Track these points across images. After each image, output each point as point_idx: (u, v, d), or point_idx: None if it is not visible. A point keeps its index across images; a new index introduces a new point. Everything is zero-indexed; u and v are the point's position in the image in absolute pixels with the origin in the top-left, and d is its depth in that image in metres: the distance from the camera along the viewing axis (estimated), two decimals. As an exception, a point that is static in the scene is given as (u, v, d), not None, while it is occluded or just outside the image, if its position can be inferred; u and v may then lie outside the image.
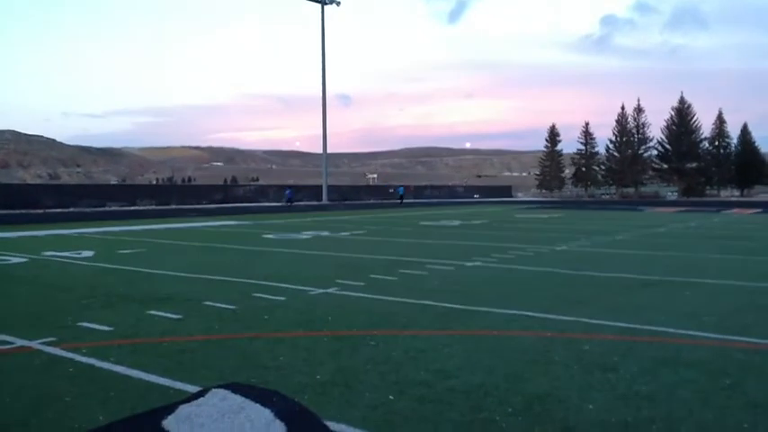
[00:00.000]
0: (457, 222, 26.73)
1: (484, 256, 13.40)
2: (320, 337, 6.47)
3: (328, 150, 47.50)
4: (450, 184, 77.42)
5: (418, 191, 64.29)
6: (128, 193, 44.93)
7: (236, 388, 4.59)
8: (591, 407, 4.41)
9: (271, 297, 8.59)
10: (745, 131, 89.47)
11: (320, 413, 4.25)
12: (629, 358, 5.64)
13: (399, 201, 54.81)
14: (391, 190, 58.71)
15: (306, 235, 19.80)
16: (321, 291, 9.10)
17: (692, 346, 6.17)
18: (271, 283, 9.73)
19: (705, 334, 6.58)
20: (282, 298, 8.55)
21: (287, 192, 48.55)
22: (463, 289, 9.54)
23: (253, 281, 10.04)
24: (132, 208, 34.15)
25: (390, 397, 4.61)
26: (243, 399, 4.36)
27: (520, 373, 5.17)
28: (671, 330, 6.72)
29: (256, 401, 4.31)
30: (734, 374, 5.17)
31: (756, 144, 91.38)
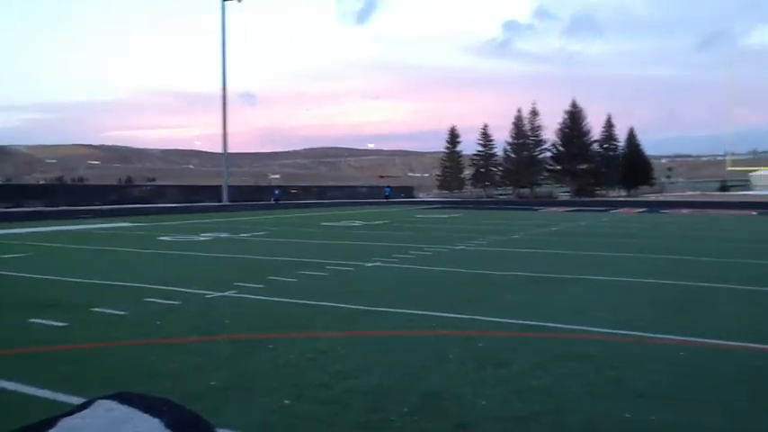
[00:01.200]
0: (358, 223, 26.81)
1: (384, 256, 13.48)
2: (216, 342, 6.31)
3: (230, 150, 46.66)
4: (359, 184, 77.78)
5: (321, 191, 64.07)
6: (13, 193, 42.38)
7: (123, 398, 4.38)
8: (485, 402, 4.50)
9: (164, 301, 8.29)
10: (631, 135, 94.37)
11: (214, 420, 4.12)
12: (523, 354, 5.80)
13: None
14: (293, 191, 58.27)
15: (204, 237, 19.31)
16: (218, 294, 8.87)
17: (582, 340, 6.43)
18: (165, 287, 9.40)
19: (594, 329, 6.88)
20: (177, 302, 8.27)
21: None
22: (363, 290, 9.56)
23: (146, 285, 9.67)
24: (19, 209, 32.26)
25: (287, 401, 4.53)
26: (130, 409, 4.16)
27: (417, 372, 5.22)
28: (562, 326, 6.96)
29: (145, 411, 4.13)
30: (620, 367, 5.42)
31: (642, 147, 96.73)
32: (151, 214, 33.76)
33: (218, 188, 46.72)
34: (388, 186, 68.12)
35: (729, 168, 53.77)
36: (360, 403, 4.51)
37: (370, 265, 12.20)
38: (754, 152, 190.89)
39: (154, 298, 8.50)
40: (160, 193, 47.32)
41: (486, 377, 5.10)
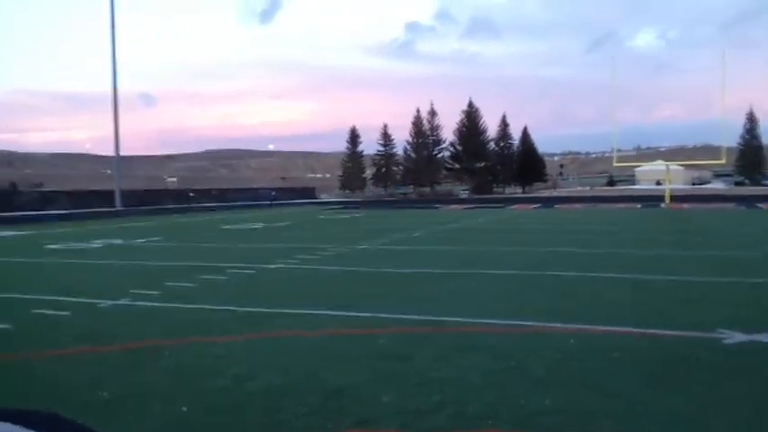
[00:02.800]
0: (260, 225, 26.47)
1: (286, 257, 13.38)
2: (109, 352, 6.07)
3: (124, 153, 44.98)
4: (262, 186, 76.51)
5: (221, 194, 62.77)
6: None
7: (6, 414, 4.15)
8: (386, 398, 4.56)
9: (53, 312, 7.90)
10: (525, 133, 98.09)
11: (106, 433, 3.98)
12: (424, 348, 5.91)
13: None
14: (191, 195, 56.81)
15: (96, 244, 18.50)
16: (111, 302, 8.53)
17: (481, 332, 6.62)
18: (54, 298, 8.95)
19: (492, 320, 7.09)
20: (66, 313, 7.89)
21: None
22: (264, 292, 9.46)
23: (33, 296, 9.18)
24: None
25: (184, 408, 4.42)
26: (13, 426, 3.95)
27: (317, 372, 5.21)
28: (462, 319, 7.14)
29: (30, 427, 3.93)
30: (517, 356, 5.61)
31: (535, 145, 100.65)
32: (39, 222, 32.03)
33: (110, 193, 44.85)
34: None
35: (616, 164, 56.59)
36: (259, 406, 4.46)
37: (272, 266, 12.07)
38: (638, 148, 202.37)
39: (42, 309, 8.08)
40: (48, 198, 44.94)
41: (387, 373, 5.16)
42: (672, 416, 4.15)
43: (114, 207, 42.09)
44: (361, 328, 6.83)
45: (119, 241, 19.37)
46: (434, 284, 9.80)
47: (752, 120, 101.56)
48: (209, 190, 63.05)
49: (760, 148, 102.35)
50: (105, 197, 45.42)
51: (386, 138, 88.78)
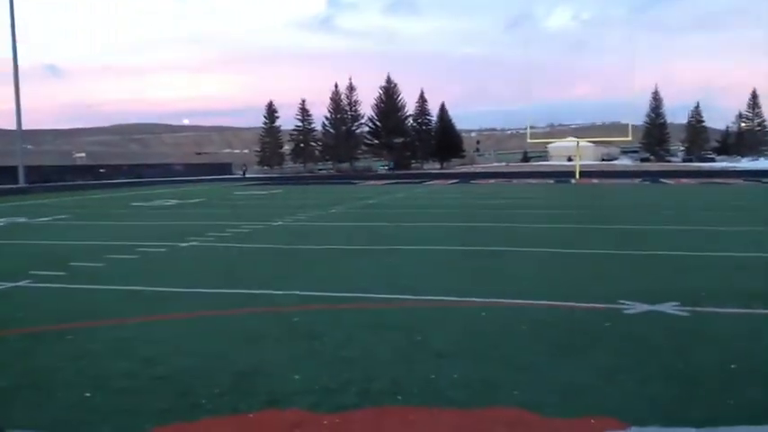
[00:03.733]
0: (173, 202, 25.77)
1: (199, 235, 13.08)
2: (6, 337, 5.79)
3: (28, 127, 42.82)
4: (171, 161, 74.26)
5: (132, 170, 60.69)
6: None
7: None
8: (297, 376, 4.54)
9: (-54, 296, 7.46)
10: (443, 110, 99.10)
11: (4, 422, 3.79)
12: (336, 326, 5.91)
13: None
14: (102, 170, 54.80)
15: (-3, 223, 17.56)
16: (10, 285, 8.12)
17: (395, 309, 6.67)
18: (-53, 281, 8.45)
19: (404, 296, 7.15)
20: (-39, 296, 7.47)
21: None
22: (175, 271, 9.23)
23: (-76, 279, 8.63)
24: None
25: (87, 394, 4.27)
26: None
27: (228, 353, 5.13)
28: (375, 296, 7.17)
29: None
30: (428, 331, 5.69)
31: (453, 121, 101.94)
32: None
33: (13, 169, 42.60)
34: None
35: (529, 141, 58.09)
36: (167, 389, 4.36)
37: (184, 245, 11.78)
38: (551, 125, 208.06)
39: (-68, 293, 7.62)
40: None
41: (299, 352, 5.14)
42: (573, 385, 4.31)
43: (18, 184, 40.05)
44: (275, 306, 6.77)
45: (22, 219, 18.45)
46: (350, 261, 9.81)
47: (657, 99, 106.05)
48: (121, 166, 60.90)
49: (664, 125, 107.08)
50: (8, 173, 43.11)
51: (304, 113, 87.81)
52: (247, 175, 65.37)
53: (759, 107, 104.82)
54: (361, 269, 9.07)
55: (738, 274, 8.36)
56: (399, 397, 4.13)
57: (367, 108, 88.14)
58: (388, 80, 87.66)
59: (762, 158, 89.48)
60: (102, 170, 55.61)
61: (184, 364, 4.86)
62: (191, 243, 11.97)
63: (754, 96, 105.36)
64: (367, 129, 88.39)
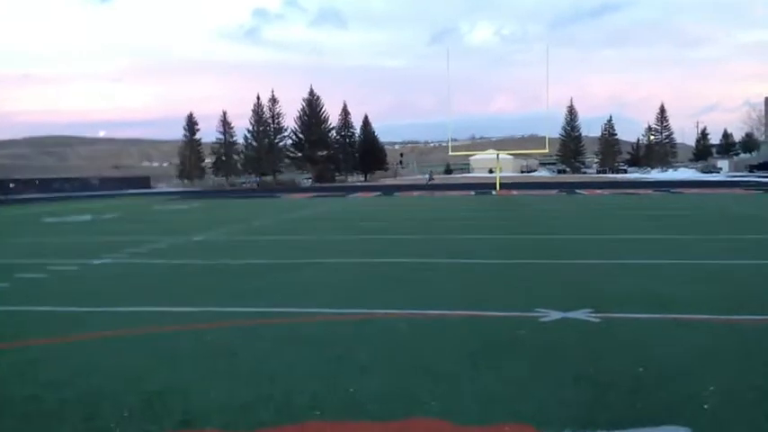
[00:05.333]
0: (88, 217, 24.86)
1: (115, 252, 12.64)
2: None
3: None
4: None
5: (44, 184, 58.26)
6: None
7: None
8: (212, 395, 4.43)
9: None
10: (366, 122, 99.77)
11: None
12: (254, 341, 5.81)
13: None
14: (11, 185, 52.31)
15: None
16: None
17: (314, 323, 6.61)
18: None
19: (324, 309, 7.11)
20: None
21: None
22: (86, 289, 8.87)
23: None
24: None
25: (-15, 421, 4.04)
26: None
27: (140, 373, 4.96)
28: (294, 310, 7.11)
29: None
30: (348, 344, 5.66)
31: (376, 134, 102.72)
32: None
33: None
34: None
35: (451, 153, 59.03)
36: (75, 413, 4.17)
37: (97, 262, 11.35)
38: (473, 138, 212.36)
39: None
40: None
41: (215, 369, 5.02)
42: (490, 393, 4.37)
43: None
44: (191, 323, 6.59)
45: None
46: (269, 275, 9.68)
47: (572, 112, 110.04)
48: (33, 180, 58.38)
49: (579, 138, 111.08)
50: None
51: (225, 125, 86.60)
52: (166, 189, 63.93)
53: (667, 120, 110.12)
54: (281, 283, 8.96)
55: (648, 280, 8.70)
56: (318, 412, 4.09)
57: (291, 121, 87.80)
58: (311, 92, 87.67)
59: (670, 170, 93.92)
60: (11, 185, 53.18)
61: (93, 387, 4.66)
62: (104, 260, 11.55)
63: (663, 110, 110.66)
64: (290, 141, 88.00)
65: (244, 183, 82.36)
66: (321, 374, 4.85)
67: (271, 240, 15.01)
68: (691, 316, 6.53)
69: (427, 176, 67.30)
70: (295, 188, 63.74)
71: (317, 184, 73.52)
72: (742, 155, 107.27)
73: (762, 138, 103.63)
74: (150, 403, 4.30)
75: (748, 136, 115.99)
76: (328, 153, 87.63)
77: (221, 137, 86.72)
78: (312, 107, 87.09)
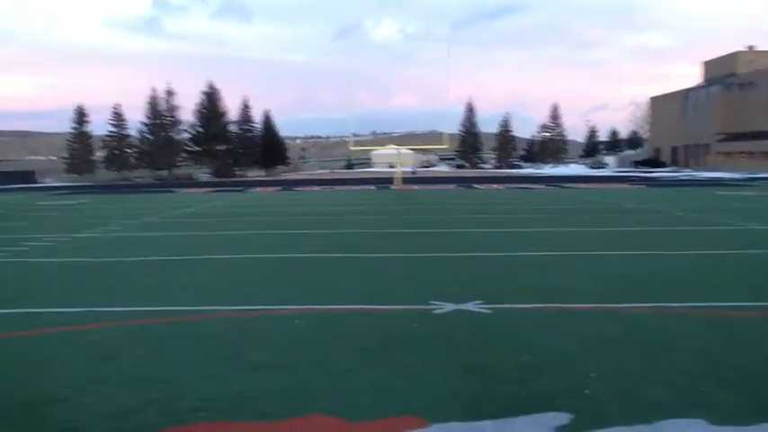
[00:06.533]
0: (-36, 214, 23.22)
1: (-8, 250, 11.86)
2: None
3: None
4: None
5: None
6: None
7: None
8: (93, 400, 4.22)
9: None
10: (267, 117, 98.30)
11: None
12: (140, 341, 5.59)
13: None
14: None
15: None
16: None
17: (206, 320, 6.44)
18: None
19: (216, 307, 6.95)
20: None
21: None
22: (-41, 291, 8.27)
23: None
24: None
25: None
26: None
27: (16, 380, 4.67)
28: (187, 308, 6.90)
29: None
30: (240, 342, 5.54)
31: (277, 128, 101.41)
32: None
33: None
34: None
35: (352, 148, 59.01)
36: (-63, 425, 3.86)
37: (-28, 262, 10.61)
38: (374, 133, 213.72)
39: None
40: None
41: (98, 373, 4.79)
42: (383, 387, 4.39)
43: None
44: (74, 325, 6.27)
45: None
46: (161, 273, 9.36)
47: (470, 109, 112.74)
48: None
49: (477, 134, 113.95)
50: None
51: (118, 117, 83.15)
52: (54, 184, 60.78)
53: (559, 118, 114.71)
54: (173, 280, 8.68)
55: (537, 271, 9.01)
56: (204, 414, 3.97)
57: (189, 114, 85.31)
58: (210, 85, 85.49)
59: (562, 165, 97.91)
60: None
61: (-39, 396, 4.34)
62: (-20, 259, 10.81)
63: (555, 108, 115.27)
64: (188, 135, 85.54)
65: (138, 177, 79.34)
66: (210, 374, 4.72)
67: (164, 236, 14.51)
68: (575, 305, 6.81)
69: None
70: (192, 183, 62.04)
71: (216, 179, 71.85)
72: (627, 151, 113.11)
73: (645, 135, 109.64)
74: (28, 412, 4.05)
75: (634, 133, 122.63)
76: (228, 147, 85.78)
77: (114, 130, 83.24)
78: (211, 100, 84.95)
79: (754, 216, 16.89)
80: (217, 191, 41.41)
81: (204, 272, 9.38)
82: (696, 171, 69.59)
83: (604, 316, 6.40)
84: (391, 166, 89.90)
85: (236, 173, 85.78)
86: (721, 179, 47.96)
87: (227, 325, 6.25)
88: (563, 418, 3.82)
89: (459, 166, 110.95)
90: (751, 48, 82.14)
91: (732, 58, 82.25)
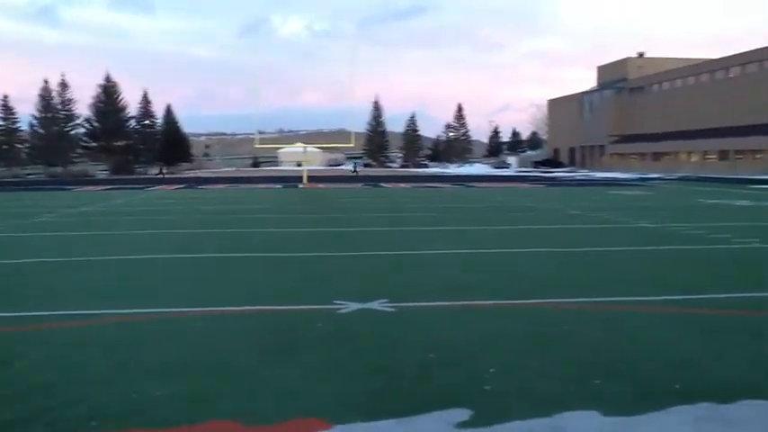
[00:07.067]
0: None
1: None
2: None
3: None
4: None
5: None
6: None
7: None
8: (-29, 413, 3.92)
9: None
10: (169, 112, 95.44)
11: None
12: (31, 348, 5.28)
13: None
14: None
15: None
16: None
17: (98, 325, 6.14)
18: None
19: (113, 311, 6.65)
20: None
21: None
22: None
23: None
24: None
25: None
26: None
27: None
28: (80, 312, 6.58)
29: None
30: (133, 346, 5.32)
31: (180, 124, 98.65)
32: None
33: None
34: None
35: (257, 146, 58.19)
36: None
37: None
38: (281, 131, 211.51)
39: None
40: None
41: (-23, 383, 4.46)
42: (284, 389, 4.30)
43: None
44: (-48, 331, 5.83)
45: None
46: (52, 275, 8.90)
47: (377, 108, 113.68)
48: None
49: (384, 133, 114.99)
50: None
51: (7, 110, 78.67)
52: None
53: (464, 119, 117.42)
54: (65, 283, 8.26)
55: (442, 269, 9.14)
56: (93, 423, 3.76)
57: (86, 108, 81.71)
58: (108, 78, 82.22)
59: (466, 165, 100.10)
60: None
61: None
62: None
63: (460, 109, 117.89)
64: (84, 130, 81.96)
65: (29, 174, 75.23)
66: (104, 381, 4.50)
67: (55, 237, 13.79)
68: (479, 302, 6.94)
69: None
70: (89, 180, 59.39)
71: (115, 176, 69.11)
72: (529, 152, 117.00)
73: (545, 137, 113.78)
74: None
75: (534, 135, 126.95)
76: (127, 143, 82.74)
77: (2, 123, 78.68)
78: (109, 94, 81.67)
79: (643, 214, 17.81)
80: (115, 188, 39.83)
81: (100, 274, 8.97)
82: (592, 171, 72.79)
83: (506, 312, 6.55)
84: (299, 165, 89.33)
85: (137, 170, 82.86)
86: (615, 179, 50.40)
87: (124, 329, 5.99)
88: (464, 414, 3.86)
89: (366, 165, 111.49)
90: (641, 54, 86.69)
91: (623, 63, 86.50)
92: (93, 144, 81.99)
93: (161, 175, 57.18)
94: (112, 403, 4.07)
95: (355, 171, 64.83)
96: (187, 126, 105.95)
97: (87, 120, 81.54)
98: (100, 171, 79.71)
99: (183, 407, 4.01)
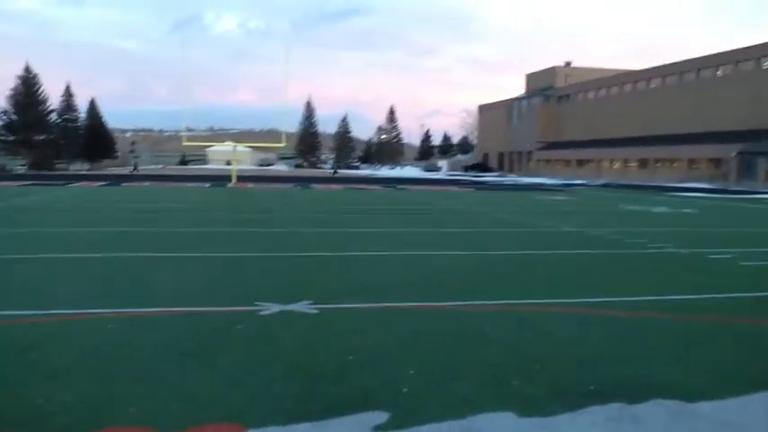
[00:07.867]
0: None
1: None
2: None
3: None
4: None
5: None
6: None
7: None
8: None
9: None
10: (93, 106, 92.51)
11: None
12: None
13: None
14: None
15: None
16: None
17: (3, 326, 5.85)
18: None
19: (21, 312, 6.35)
20: None
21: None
22: None
23: None
24: None
25: None
26: None
27: None
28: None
29: None
30: (41, 349, 5.08)
31: (105, 119, 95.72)
32: None
33: None
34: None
35: (185, 143, 56.86)
36: None
37: None
38: (211, 129, 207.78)
39: None
40: None
41: None
42: (198, 393, 4.19)
43: None
44: None
45: None
46: (-41, 274, 8.43)
47: (309, 109, 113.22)
48: None
49: (316, 134, 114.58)
50: None
51: None
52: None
53: (396, 121, 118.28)
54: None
55: (365, 271, 9.13)
56: (-9, 430, 3.57)
57: (3, 100, 78.29)
58: (27, 69, 79.06)
59: (398, 167, 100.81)
60: None
61: None
62: None
63: (392, 112, 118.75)
64: (1, 123, 78.49)
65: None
66: (7, 385, 4.28)
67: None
68: (402, 304, 6.96)
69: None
70: (6, 175, 56.83)
71: (34, 172, 66.38)
72: (459, 156, 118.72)
73: (475, 141, 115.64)
74: None
75: (465, 139, 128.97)
76: (47, 137, 79.66)
77: None
78: (28, 86, 78.51)
79: (565, 219, 18.30)
80: (34, 184, 38.23)
81: (13, 273, 8.57)
82: (520, 176, 74.49)
83: (428, 314, 6.59)
84: (228, 164, 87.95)
85: (58, 166, 79.91)
86: (541, 184, 51.70)
87: (33, 331, 5.71)
88: (381, 416, 3.85)
89: (298, 166, 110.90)
90: (568, 63, 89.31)
91: (551, 72, 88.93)
92: (11, 138, 78.62)
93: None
94: (15, 408, 3.89)
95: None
96: (113, 121, 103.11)
97: (5, 112, 78.20)
98: (18, 166, 76.46)
99: (89, 413, 3.85)
